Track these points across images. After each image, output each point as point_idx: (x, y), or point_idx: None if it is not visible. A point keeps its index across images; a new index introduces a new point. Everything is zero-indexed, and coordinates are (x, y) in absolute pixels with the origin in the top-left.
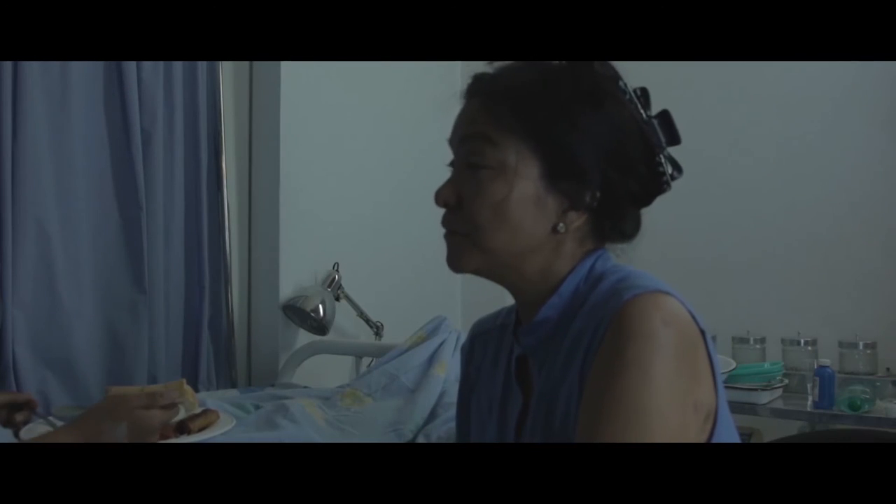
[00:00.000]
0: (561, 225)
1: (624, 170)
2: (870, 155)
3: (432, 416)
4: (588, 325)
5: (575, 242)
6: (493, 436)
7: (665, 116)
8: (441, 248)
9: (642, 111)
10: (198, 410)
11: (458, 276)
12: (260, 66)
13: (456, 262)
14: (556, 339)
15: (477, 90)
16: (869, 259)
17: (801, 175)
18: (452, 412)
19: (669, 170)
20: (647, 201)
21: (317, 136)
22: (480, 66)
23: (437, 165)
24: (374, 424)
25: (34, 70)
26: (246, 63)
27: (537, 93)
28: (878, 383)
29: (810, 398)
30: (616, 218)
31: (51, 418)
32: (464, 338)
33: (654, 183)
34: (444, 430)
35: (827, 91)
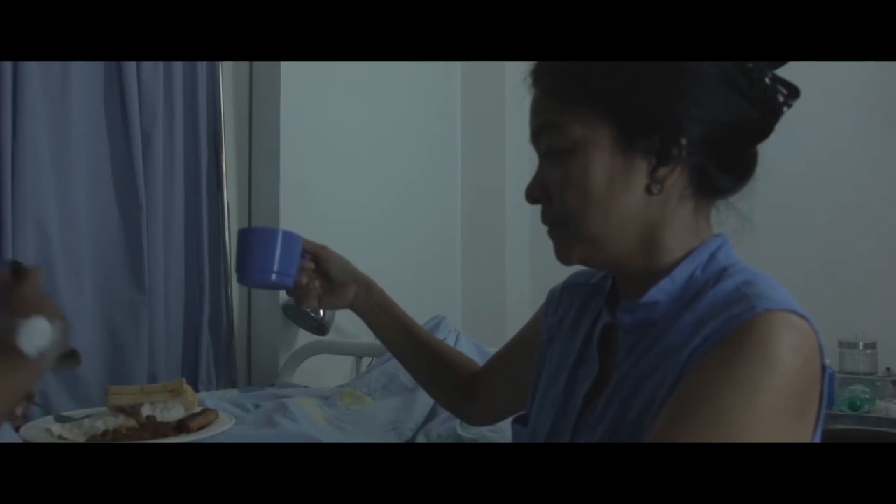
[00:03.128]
0: (654, 185)
1: (712, 108)
2: (869, 155)
3: (432, 414)
4: (704, 323)
5: (684, 204)
6: (558, 398)
7: None
8: (440, 249)
9: None
10: (197, 410)
11: (458, 276)
12: (260, 66)
13: (562, 255)
14: (659, 325)
15: (535, 81)
16: (869, 259)
17: (800, 175)
18: None
19: (782, 93)
20: (756, 136)
21: (317, 136)
22: (481, 67)
23: (438, 165)
24: (373, 423)
25: (34, 70)
26: (246, 63)
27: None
28: (878, 383)
29: None
30: (718, 163)
31: (52, 417)
32: (463, 337)
33: (760, 113)
34: (444, 429)
35: (826, 91)
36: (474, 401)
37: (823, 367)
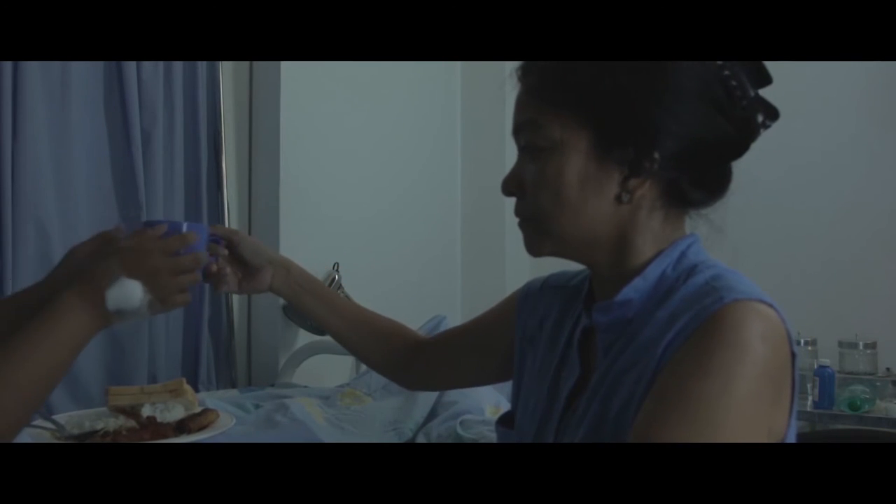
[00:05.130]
0: (624, 195)
1: (689, 124)
2: (869, 155)
3: (432, 414)
4: (676, 317)
5: (654, 214)
6: (542, 401)
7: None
8: (440, 249)
9: None
10: (197, 410)
11: (458, 276)
12: (260, 66)
13: (531, 248)
14: (634, 323)
15: (521, 78)
16: (869, 259)
17: (799, 175)
18: (452, 410)
19: (762, 114)
20: (731, 154)
21: (317, 136)
22: (481, 67)
23: (438, 164)
24: (373, 423)
25: (34, 70)
26: (246, 63)
27: (579, 63)
28: (878, 383)
29: (810, 398)
30: (690, 177)
31: (54, 417)
32: None
33: (737, 132)
34: (443, 429)
35: (826, 91)
36: (413, 369)
37: (794, 354)
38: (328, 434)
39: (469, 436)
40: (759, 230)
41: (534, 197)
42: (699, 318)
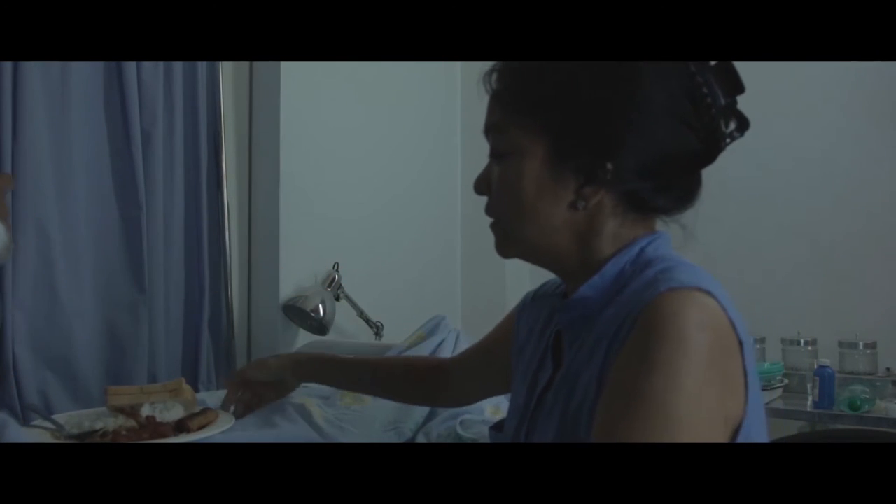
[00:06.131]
0: (580, 202)
1: (651, 137)
2: (869, 154)
3: (432, 414)
4: (619, 313)
5: (611, 218)
6: (520, 401)
7: (723, 65)
8: (440, 249)
9: (690, 63)
10: (197, 409)
11: (458, 276)
12: (260, 66)
13: (500, 250)
14: (589, 321)
15: (489, 83)
16: (869, 259)
17: (799, 176)
18: (452, 410)
19: (729, 126)
20: (695, 164)
21: (317, 136)
22: (481, 67)
23: (438, 164)
24: (373, 423)
25: (34, 70)
26: (246, 63)
27: (543, 70)
28: (878, 383)
29: (810, 398)
30: (653, 187)
31: (54, 417)
32: (462, 337)
33: (703, 143)
34: (443, 428)
35: (826, 92)
36: (446, 391)
37: (741, 342)
38: (327, 434)
39: (469, 436)
40: (759, 230)
41: (497, 200)
42: (636, 309)
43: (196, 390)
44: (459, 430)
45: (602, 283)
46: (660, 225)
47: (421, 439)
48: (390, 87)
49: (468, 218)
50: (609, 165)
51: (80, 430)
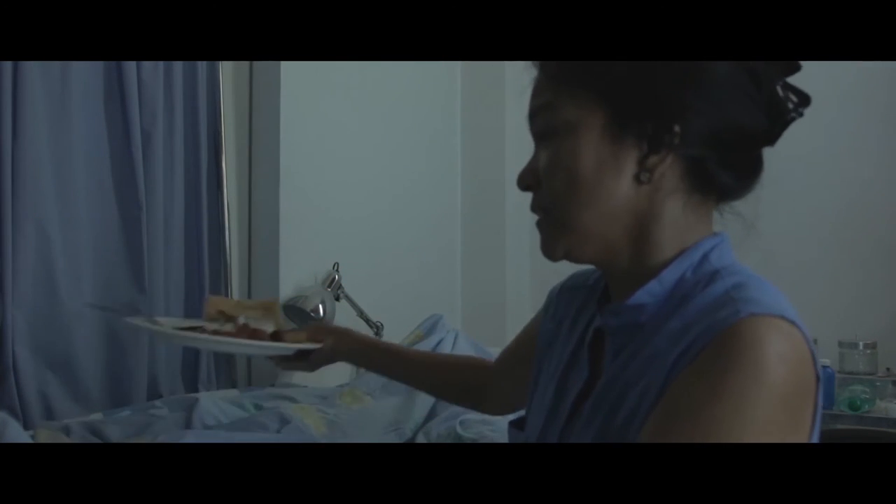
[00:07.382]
0: (644, 174)
1: (715, 101)
2: (870, 155)
3: (432, 414)
4: (690, 329)
5: (675, 198)
6: (549, 402)
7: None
8: (440, 249)
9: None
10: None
11: (458, 276)
12: (260, 66)
13: (546, 248)
14: (646, 329)
15: (539, 66)
16: (869, 259)
17: (800, 176)
18: (452, 410)
19: (792, 101)
20: (761, 141)
21: (317, 136)
22: (481, 67)
23: (438, 164)
24: (374, 423)
25: (34, 70)
26: (246, 63)
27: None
28: (878, 383)
29: None
30: (717, 158)
31: (156, 318)
32: (461, 337)
33: (765, 117)
34: (443, 428)
35: (826, 91)
36: (490, 396)
37: (818, 377)
38: (328, 436)
39: (469, 435)
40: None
41: (548, 184)
42: (711, 332)
43: (196, 390)
44: (459, 430)
45: (661, 290)
46: (717, 223)
47: (421, 439)
48: (390, 87)
49: (468, 218)
50: (676, 128)
51: (180, 326)
